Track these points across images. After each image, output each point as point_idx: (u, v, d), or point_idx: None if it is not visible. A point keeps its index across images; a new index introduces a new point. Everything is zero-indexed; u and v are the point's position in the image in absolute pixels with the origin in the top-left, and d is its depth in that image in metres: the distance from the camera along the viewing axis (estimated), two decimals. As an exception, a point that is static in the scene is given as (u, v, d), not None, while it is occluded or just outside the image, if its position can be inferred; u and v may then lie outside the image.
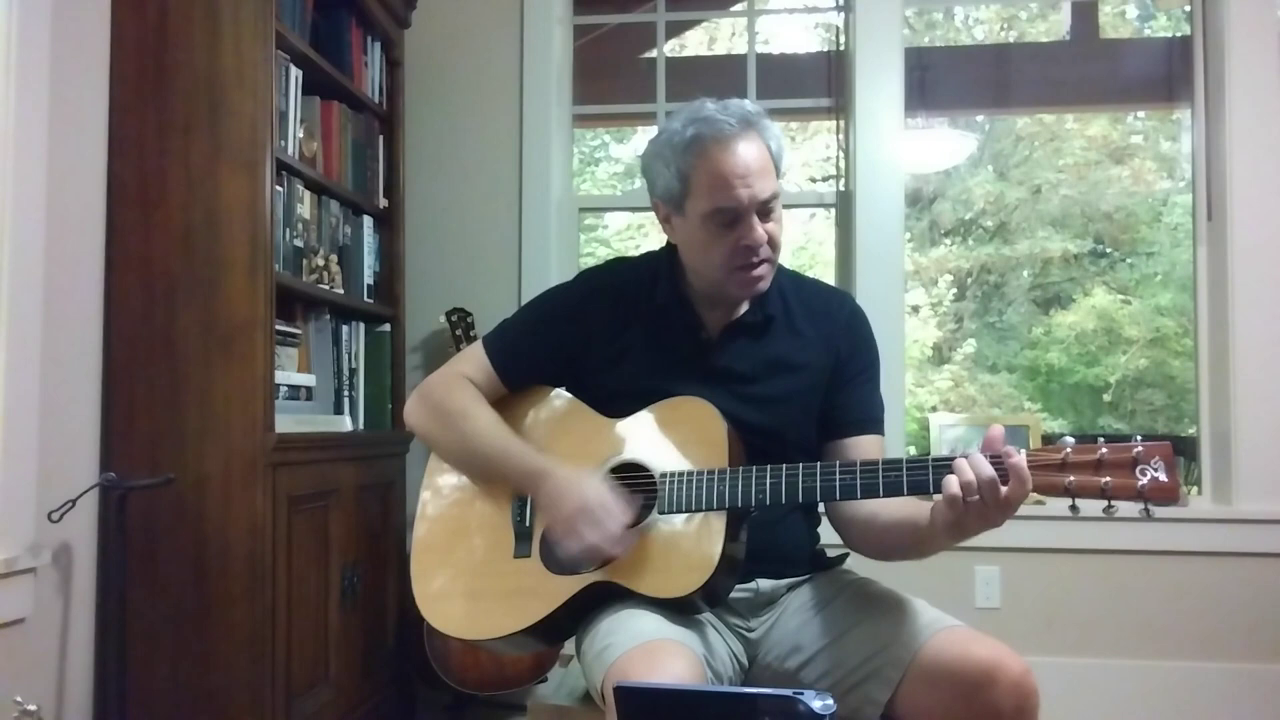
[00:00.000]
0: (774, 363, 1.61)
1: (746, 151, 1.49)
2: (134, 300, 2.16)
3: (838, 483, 1.42)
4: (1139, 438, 1.27)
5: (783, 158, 1.56)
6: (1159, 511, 1.26)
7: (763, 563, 1.57)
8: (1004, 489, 1.26)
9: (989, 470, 1.27)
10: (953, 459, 1.32)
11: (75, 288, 2.10)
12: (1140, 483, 1.25)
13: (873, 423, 1.65)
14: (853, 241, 3.11)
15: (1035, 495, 1.29)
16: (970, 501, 1.28)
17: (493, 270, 3.18)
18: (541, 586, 1.52)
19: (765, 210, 1.52)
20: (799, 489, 1.43)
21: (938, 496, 1.32)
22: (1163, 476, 1.25)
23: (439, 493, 1.68)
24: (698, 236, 1.54)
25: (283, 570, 2.18)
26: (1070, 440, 1.30)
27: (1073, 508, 1.29)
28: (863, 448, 1.61)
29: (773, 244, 1.54)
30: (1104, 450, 1.27)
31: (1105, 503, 1.27)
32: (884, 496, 1.40)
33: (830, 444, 1.63)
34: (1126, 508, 1.28)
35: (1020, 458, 1.26)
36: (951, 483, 1.29)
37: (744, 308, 1.63)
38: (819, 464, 1.45)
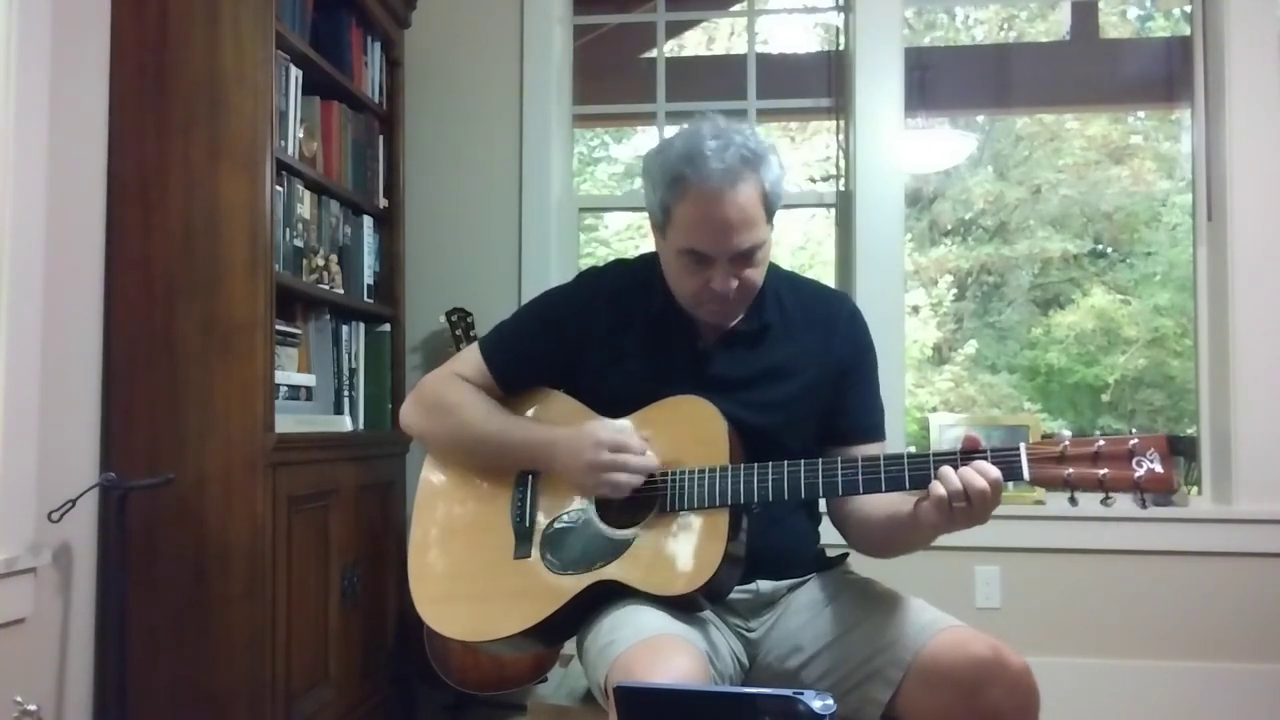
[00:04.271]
0: (770, 371, 1.60)
1: (730, 205, 1.45)
2: (134, 300, 2.16)
3: (840, 479, 1.43)
4: (1134, 430, 1.32)
5: (779, 197, 1.52)
6: (1158, 510, 1.29)
7: (764, 564, 1.57)
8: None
9: (980, 482, 1.31)
10: (954, 455, 1.36)
11: (75, 288, 2.10)
12: (1136, 474, 1.29)
13: (874, 429, 1.66)
14: (853, 242, 3.11)
15: (1036, 489, 1.32)
16: (957, 507, 1.32)
17: (493, 270, 3.19)
18: (543, 587, 1.53)
19: (743, 257, 1.49)
20: (801, 485, 1.44)
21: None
22: (1158, 468, 1.28)
23: (436, 495, 1.68)
24: (673, 263, 1.55)
25: (283, 570, 2.18)
26: (1068, 434, 1.34)
27: (1071, 500, 1.34)
28: (865, 456, 1.61)
29: (746, 288, 1.52)
30: (1101, 443, 1.31)
31: (1103, 494, 1.31)
32: (886, 491, 1.42)
33: (832, 450, 1.63)
34: (1124, 500, 1.31)
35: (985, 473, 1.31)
36: (937, 488, 1.33)
37: (740, 316, 1.62)
38: (820, 460, 1.46)
